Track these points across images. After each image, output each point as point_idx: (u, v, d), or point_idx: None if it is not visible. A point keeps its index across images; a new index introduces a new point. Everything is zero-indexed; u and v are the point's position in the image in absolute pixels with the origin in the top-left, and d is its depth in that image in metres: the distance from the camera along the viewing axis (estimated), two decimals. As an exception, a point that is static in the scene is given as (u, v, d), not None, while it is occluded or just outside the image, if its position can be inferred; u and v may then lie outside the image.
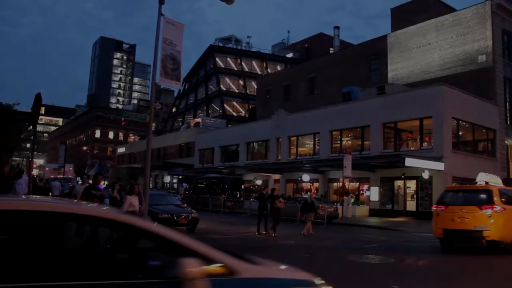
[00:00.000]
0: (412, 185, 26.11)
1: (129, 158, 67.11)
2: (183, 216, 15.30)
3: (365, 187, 29.23)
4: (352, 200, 27.83)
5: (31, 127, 26.26)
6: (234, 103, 64.47)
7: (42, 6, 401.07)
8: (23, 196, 7.97)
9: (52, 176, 34.66)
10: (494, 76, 29.01)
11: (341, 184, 27.66)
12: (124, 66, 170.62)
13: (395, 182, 26.88)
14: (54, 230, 2.70)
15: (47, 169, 44.28)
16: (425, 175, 23.76)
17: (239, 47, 69.90)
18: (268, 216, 16.39)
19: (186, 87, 73.02)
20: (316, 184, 32.17)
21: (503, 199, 11.65)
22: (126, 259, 2.90)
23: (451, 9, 34.73)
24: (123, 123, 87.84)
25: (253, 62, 66.62)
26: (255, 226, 16.56)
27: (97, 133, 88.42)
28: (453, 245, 12.27)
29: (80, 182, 11.53)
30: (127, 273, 2.65)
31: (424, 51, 32.95)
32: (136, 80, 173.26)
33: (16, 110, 31.38)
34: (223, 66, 64.55)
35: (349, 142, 31.78)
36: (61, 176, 30.81)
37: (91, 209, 3.06)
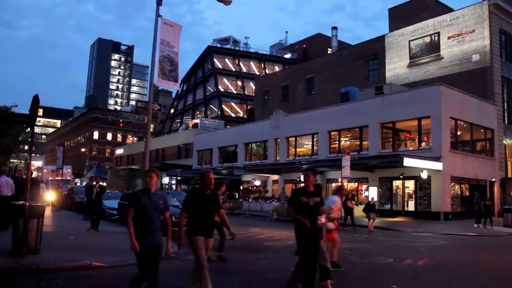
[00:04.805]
0: (410, 185, 26.13)
1: (128, 159, 67.05)
2: (181, 218, 15.23)
3: (364, 187, 29.25)
4: (351, 200, 27.78)
5: (29, 129, 26.22)
6: (232, 104, 64.45)
7: (42, 9, 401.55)
8: None
9: (50, 178, 34.56)
10: (492, 76, 29.11)
11: (339, 184, 27.64)
12: (122, 67, 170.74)
13: (394, 182, 26.91)
14: None
15: (45, 171, 44.13)
16: (424, 175, 23.79)
17: (237, 48, 69.93)
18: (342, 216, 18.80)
19: (185, 88, 73.00)
20: (315, 185, 32.14)
21: None
22: None
23: (448, 9, 34.83)
24: (121, 124, 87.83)
25: (251, 63, 66.62)
26: (254, 227, 16.56)
27: (95, 135, 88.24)
28: None
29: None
30: None
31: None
32: (134, 81, 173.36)
33: (14, 112, 31.28)
34: (221, 67, 64.53)
35: (348, 143, 31.80)
36: (60, 178, 30.73)
37: None
